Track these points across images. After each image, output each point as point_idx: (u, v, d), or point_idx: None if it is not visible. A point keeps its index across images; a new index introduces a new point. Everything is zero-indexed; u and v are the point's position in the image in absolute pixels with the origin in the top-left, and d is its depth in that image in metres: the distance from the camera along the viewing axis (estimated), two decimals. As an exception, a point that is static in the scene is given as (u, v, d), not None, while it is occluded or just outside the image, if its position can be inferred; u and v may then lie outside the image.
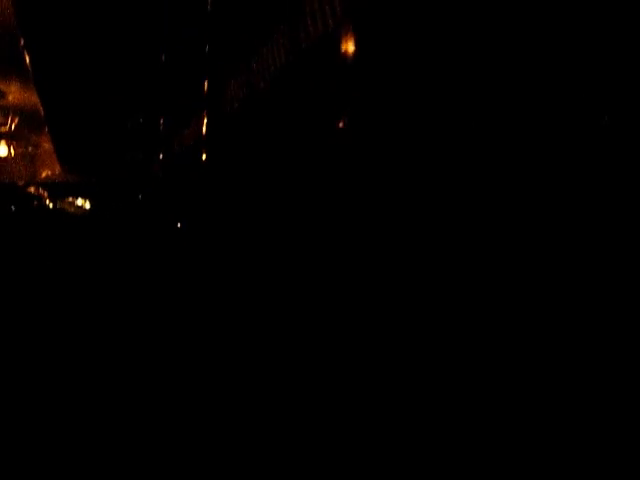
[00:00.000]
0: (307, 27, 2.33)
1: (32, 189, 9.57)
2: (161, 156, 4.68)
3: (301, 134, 2.40)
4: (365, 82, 1.91)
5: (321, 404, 1.81)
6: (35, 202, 9.56)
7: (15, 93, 7.55)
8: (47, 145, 9.50)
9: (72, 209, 9.44)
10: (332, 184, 2.08)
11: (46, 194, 9.44)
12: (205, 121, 3.45)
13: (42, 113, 7.32)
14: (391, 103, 1.75)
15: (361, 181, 1.89)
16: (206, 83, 3.65)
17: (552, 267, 1.30)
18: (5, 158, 9.90)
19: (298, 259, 2.31)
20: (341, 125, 2.03)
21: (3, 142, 9.55)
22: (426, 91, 1.58)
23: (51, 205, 9.43)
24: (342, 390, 1.82)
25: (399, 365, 1.70)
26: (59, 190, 9.56)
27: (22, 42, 5.29)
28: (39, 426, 1.82)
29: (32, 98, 7.25)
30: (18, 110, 8.23)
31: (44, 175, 10.43)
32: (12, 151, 9.74)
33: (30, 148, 10.14)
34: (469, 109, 1.40)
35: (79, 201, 9.40)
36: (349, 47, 1.97)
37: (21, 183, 9.99)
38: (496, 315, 1.43)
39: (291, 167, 2.47)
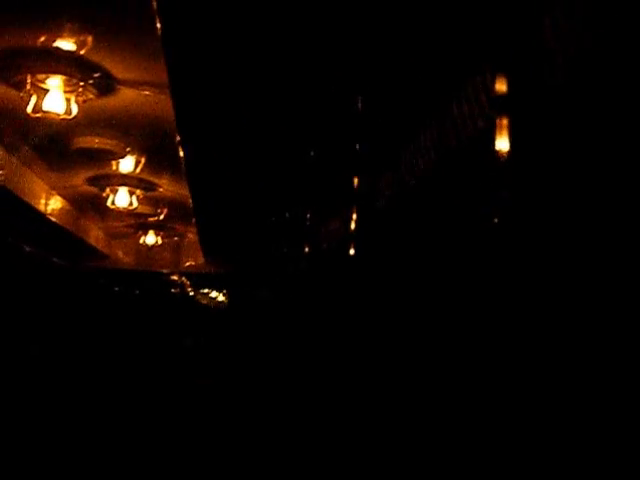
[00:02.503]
0: (456, 127, 2.30)
1: (175, 277, 9.96)
2: (307, 250, 4.69)
3: (451, 232, 2.32)
4: (518, 183, 1.82)
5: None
6: (176, 290, 9.92)
7: (166, 185, 7.94)
8: (192, 236, 9.92)
9: (209, 301, 9.70)
10: (484, 288, 1.95)
11: (188, 283, 9.78)
12: (354, 216, 3.41)
13: (190, 205, 7.64)
14: (545, 205, 1.64)
15: (513, 286, 1.75)
16: (355, 180, 3.65)
17: None
18: (152, 246, 10.42)
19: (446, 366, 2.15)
20: (493, 223, 1.93)
21: (152, 232, 10.08)
22: (584, 201, 1.45)
23: (191, 294, 9.74)
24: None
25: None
26: (200, 280, 9.88)
27: (178, 139, 5.58)
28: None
29: (182, 191, 7.59)
30: (168, 202, 8.64)
31: (187, 264, 10.86)
32: (159, 240, 10.24)
33: (176, 238, 10.62)
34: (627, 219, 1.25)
35: (216, 293, 9.65)
36: (501, 148, 1.89)
37: (165, 271, 10.45)
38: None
39: (442, 265, 2.36)
